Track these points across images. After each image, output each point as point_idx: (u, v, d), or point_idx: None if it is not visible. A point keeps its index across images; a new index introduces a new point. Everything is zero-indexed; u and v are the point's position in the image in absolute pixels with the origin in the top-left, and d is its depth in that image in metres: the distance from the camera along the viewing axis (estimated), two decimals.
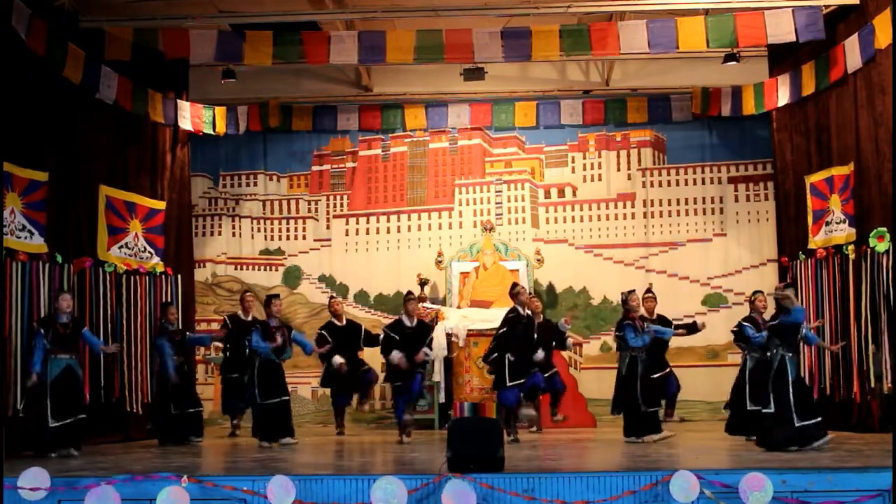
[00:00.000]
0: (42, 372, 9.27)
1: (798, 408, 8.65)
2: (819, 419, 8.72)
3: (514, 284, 11.20)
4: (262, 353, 10.43)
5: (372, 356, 12.56)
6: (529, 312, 10.78)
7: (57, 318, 9.49)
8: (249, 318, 12.03)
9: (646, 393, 10.25)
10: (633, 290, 10.77)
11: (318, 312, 14.70)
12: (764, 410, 8.85)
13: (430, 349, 11.25)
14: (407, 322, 10.97)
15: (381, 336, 11.18)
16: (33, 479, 6.35)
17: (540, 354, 10.74)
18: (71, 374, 9.49)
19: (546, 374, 11.29)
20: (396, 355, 10.73)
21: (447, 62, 12.19)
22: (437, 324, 12.54)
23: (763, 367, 9.27)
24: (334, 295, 13.25)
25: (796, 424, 8.61)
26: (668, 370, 11.51)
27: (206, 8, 12.08)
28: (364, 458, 9.05)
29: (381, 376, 12.18)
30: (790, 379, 8.74)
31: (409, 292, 11.52)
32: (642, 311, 10.94)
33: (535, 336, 10.67)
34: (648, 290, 11.55)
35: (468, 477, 6.29)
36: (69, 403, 9.35)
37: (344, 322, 12.35)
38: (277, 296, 11.20)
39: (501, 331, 10.57)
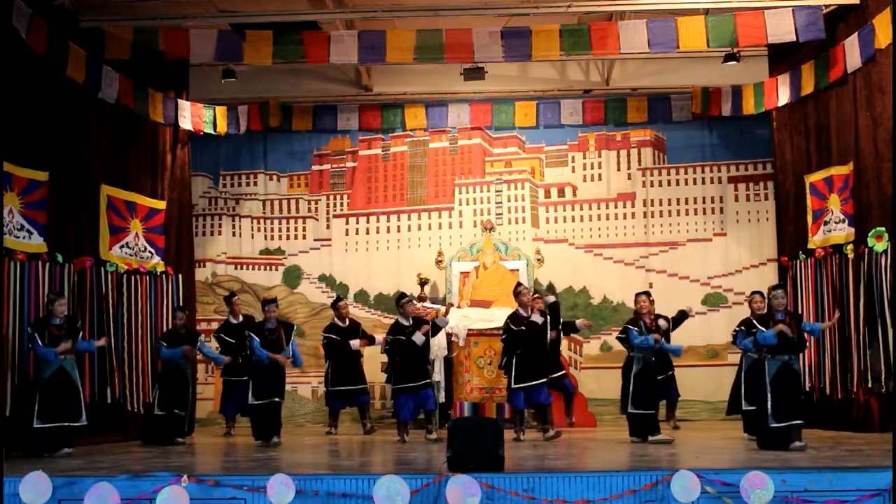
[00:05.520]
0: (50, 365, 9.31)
1: (774, 409, 8.66)
2: (798, 422, 8.73)
3: (518, 284, 11.37)
4: (259, 357, 10.64)
5: (373, 357, 12.62)
6: (532, 313, 10.81)
7: (51, 321, 9.46)
8: (240, 320, 12.18)
9: (645, 394, 10.24)
10: (641, 293, 10.80)
11: (319, 312, 14.72)
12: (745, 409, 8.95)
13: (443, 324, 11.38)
14: (404, 322, 10.99)
15: (386, 340, 11.21)
16: (33, 487, 6.33)
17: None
18: (63, 376, 9.42)
19: (556, 375, 11.30)
20: (420, 337, 10.79)
21: (447, 62, 12.18)
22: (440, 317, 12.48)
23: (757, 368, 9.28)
24: (342, 297, 13.24)
25: (770, 425, 8.62)
26: (670, 373, 11.52)
27: (206, 8, 12.09)
28: (364, 458, 9.05)
29: (383, 378, 12.26)
30: (767, 380, 8.75)
31: (403, 294, 11.53)
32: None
33: (545, 335, 10.74)
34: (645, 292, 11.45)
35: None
36: (60, 406, 9.28)
37: (347, 323, 12.48)
38: (275, 300, 11.23)
39: (503, 338, 10.88)
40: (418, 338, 10.76)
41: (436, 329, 11.24)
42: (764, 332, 8.95)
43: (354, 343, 12.24)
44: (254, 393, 10.68)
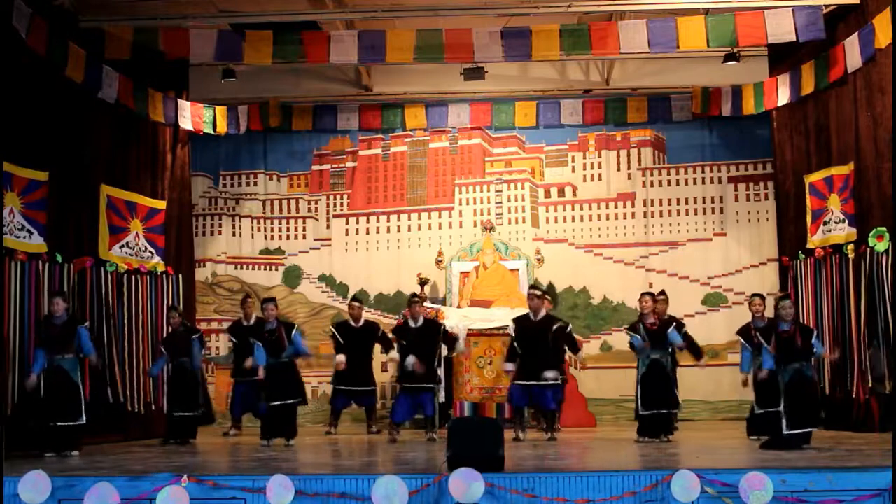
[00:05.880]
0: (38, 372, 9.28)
1: (789, 416, 8.62)
2: (809, 430, 8.71)
3: (531, 286, 11.57)
4: (260, 364, 10.54)
5: (374, 357, 12.57)
6: (541, 315, 10.81)
7: (51, 320, 9.42)
8: (252, 322, 12.09)
9: (652, 395, 10.24)
10: (646, 293, 10.74)
11: (319, 312, 14.73)
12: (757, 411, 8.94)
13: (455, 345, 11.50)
14: (412, 324, 10.99)
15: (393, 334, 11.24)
16: (33, 486, 6.33)
17: (508, 366, 10.75)
18: (62, 375, 9.33)
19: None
20: (411, 359, 10.67)
21: (447, 62, 12.19)
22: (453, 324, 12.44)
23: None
24: (357, 298, 13.07)
25: (784, 432, 8.59)
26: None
27: (206, 8, 12.10)
28: (364, 458, 9.05)
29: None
30: (780, 386, 8.73)
31: (414, 294, 11.51)
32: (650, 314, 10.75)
33: (548, 339, 10.69)
34: (661, 293, 11.30)
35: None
36: (61, 404, 9.22)
37: (360, 324, 12.28)
38: (273, 299, 11.14)
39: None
40: (409, 360, 10.68)
41: (448, 340, 11.31)
42: (766, 357, 8.95)
43: (339, 358, 11.88)
44: (266, 396, 10.58)
